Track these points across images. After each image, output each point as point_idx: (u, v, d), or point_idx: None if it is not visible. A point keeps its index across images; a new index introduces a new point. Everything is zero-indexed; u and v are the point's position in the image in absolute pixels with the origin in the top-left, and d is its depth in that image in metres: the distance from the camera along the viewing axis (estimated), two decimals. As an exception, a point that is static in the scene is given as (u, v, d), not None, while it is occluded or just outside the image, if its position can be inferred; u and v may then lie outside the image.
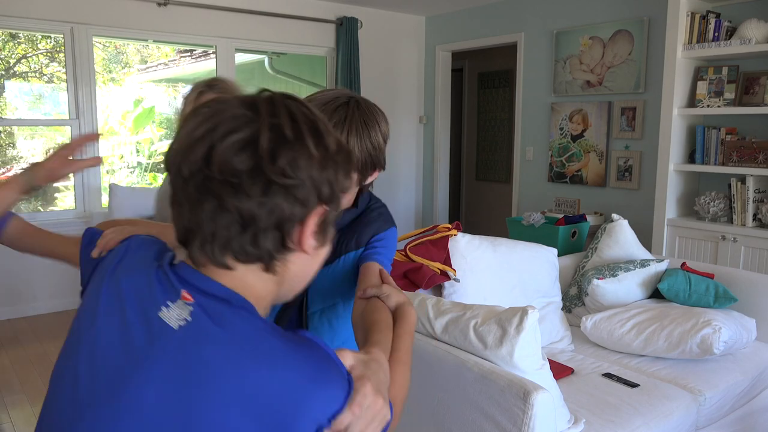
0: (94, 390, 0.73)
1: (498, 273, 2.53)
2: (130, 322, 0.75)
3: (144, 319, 0.74)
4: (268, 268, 0.77)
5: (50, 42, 5.32)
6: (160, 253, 0.84)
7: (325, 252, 0.83)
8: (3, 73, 5.06)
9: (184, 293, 0.75)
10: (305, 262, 0.80)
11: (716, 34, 3.71)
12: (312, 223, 0.75)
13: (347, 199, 1.20)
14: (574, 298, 2.91)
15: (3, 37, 4.91)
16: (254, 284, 0.77)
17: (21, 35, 5.12)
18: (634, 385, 2.19)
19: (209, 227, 0.73)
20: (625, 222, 3.08)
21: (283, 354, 0.71)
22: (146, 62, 6.56)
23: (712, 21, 3.71)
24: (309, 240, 0.76)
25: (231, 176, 0.70)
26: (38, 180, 1.17)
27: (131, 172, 6.37)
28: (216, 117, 0.74)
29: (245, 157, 0.71)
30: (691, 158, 3.96)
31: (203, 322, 0.72)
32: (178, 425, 0.68)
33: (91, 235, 1.02)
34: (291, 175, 0.72)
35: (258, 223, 0.72)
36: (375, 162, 1.17)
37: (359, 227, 1.27)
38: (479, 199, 7.37)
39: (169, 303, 0.74)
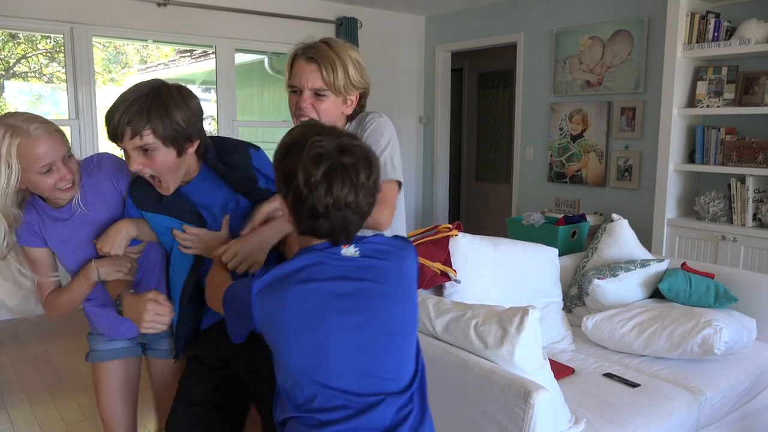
0: None
1: (499, 273, 2.53)
2: None
3: None
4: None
5: (50, 42, 5.32)
6: None
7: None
8: (3, 73, 5.05)
9: None
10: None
11: (716, 34, 3.71)
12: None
13: (182, 171, 1.53)
14: (575, 298, 2.91)
15: (3, 37, 4.91)
16: None
17: (21, 35, 5.12)
18: (634, 385, 2.19)
19: None
20: (625, 222, 3.08)
21: None
22: (146, 62, 6.55)
23: (712, 21, 3.71)
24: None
25: None
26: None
27: (131, 172, 6.34)
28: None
29: None
30: (690, 158, 3.96)
31: None
32: None
33: None
34: None
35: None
36: (186, 135, 1.46)
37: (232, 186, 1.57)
38: (479, 199, 7.37)
39: None
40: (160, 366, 1.81)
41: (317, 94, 1.70)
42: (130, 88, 1.45)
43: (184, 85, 1.51)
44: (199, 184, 1.58)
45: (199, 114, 1.49)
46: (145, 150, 1.43)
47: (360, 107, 1.80)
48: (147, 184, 1.56)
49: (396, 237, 1.32)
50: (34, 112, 1.56)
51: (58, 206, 1.61)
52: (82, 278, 1.62)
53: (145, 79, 1.49)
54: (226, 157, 1.58)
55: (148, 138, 1.41)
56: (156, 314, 1.49)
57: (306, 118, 1.70)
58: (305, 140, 1.17)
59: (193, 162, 1.55)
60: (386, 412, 1.18)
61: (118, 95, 1.46)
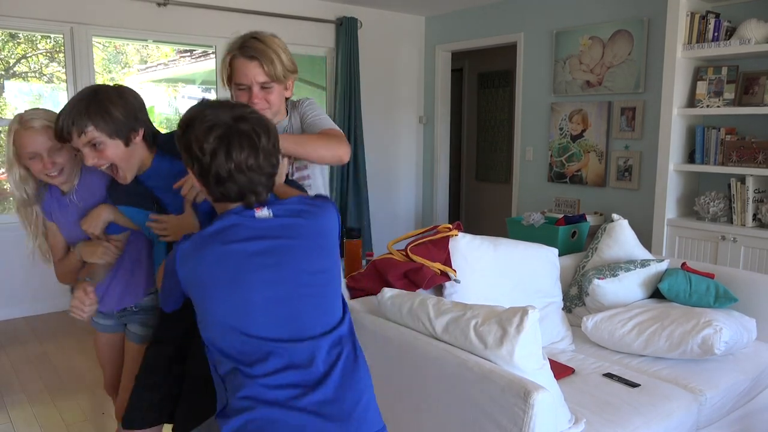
0: None
1: (498, 273, 2.53)
2: None
3: None
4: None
5: (50, 42, 5.32)
6: None
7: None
8: (3, 73, 5.05)
9: None
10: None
11: (716, 34, 3.71)
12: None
13: (135, 160, 1.71)
14: (575, 298, 2.91)
15: (3, 37, 4.91)
16: None
17: (21, 35, 5.12)
18: (634, 385, 2.19)
19: None
20: (625, 222, 3.07)
21: None
22: (146, 62, 6.55)
23: (712, 21, 3.71)
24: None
25: None
26: None
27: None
28: None
29: None
30: (690, 158, 3.96)
31: None
32: None
33: None
34: None
35: None
36: (129, 127, 1.64)
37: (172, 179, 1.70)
38: (479, 199, 7.37)
39: None
40: (130, 348, 1.97)
41: (264, 87, 1.89)
42: (73, 96, 1.65)
43: (123, 84, 1.72)
44: (157, 169, 1.76)
45: (138, 107, 1.68)
46: (93, 145, 1.62)
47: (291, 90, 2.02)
48: (116, 181, 1.76)
49: (316, 196, 1.43)
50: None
51: (63, 193, 1.83)
52: (72, 253, 1.88)
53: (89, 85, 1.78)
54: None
55: (93, 133, 1.60)
56: (79, 301, 1.72)
57: (259, 109, 1.84)
58: (199, 115, 1.30)
59: (144, 151, 1.74)
60: (317, 353, 1.28)
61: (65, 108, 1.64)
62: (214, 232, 1.28)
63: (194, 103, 1.41)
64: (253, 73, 1.86)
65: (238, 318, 1.25)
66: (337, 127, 1.97)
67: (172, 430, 1.78)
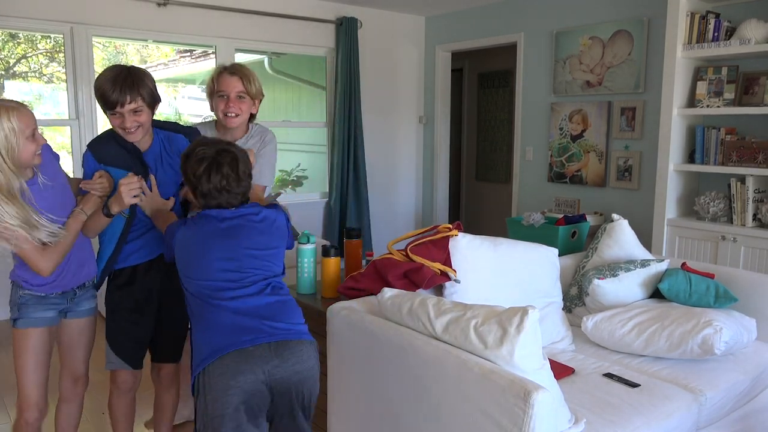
0: None
1: (498, 273, 2.53)
2: None
3: None
4: None
5: (50, 42, 5.32)
6: None
7: None
8: (3, 73, 5.05)
9: None
10: None
11: (716, 34, 3.71)
12: None
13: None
14: (575, 298, 2.91)
15: (3, 37, 4.91)
16: None
17: (21, 35, 5.12)
18: (634, 385, 2.19)
19: None
20: (625, 222, 3.07)
21: None
22: (146, 62, 6.55)
23: (712, 21, 3.71)
24: None
25: None
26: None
27: (131, 172, 6.34)
28: None
29: None
30: (690, 158, 3.96)
31: None
32: None
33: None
34: None
35: None
36: (156, 100, 2.13)
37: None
38: (479, 199, 7.37)
39: None
40: (77, 325, 2.20)
41: (239, 97, 2.45)
42: (109, 71, 2.04)
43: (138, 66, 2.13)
44: (157, 145, 2.23)
45: (156, 86, 2.14)
46: (135, 111, 2.05)
47: (258, 109, 2.61)
48: (107, 144, 2.16)
49: (269, 205, 2.00)
50: (34, 112, 1.95)
51: (27, 177, 1.98)
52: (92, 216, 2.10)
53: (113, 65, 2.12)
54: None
55: (140, 102, 2.05)
56: (128, 189, 2.03)
57: (232, 114, 2.46)
58: (194, 150, 1.88)
59: (149, 131, 2.20)
60: (260, 290, 1.85)
61: (100, 77, 2.04)
62: (202, 216, 1.88)
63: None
64: (234, 85, 2.43)
65: (202, 267, 1.83)
66: (268, 183, 2.60)
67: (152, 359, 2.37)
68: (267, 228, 1.92)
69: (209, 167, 1.83)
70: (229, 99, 2.43)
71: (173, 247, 1.88)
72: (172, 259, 1.92)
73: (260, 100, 2.56)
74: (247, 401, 1.72)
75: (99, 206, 2.08)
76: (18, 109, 1.85)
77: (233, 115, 2.45)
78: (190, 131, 2.34)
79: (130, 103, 2.02)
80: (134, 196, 2.05)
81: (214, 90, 2.48)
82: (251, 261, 1.86)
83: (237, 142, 2.42)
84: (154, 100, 2.12)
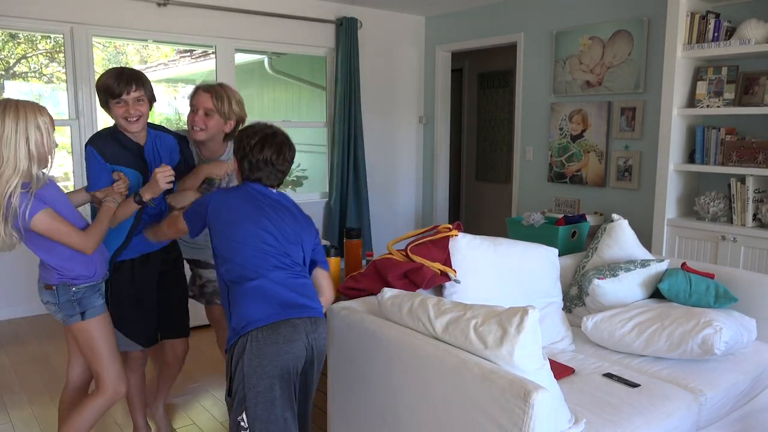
0: None
1: (499, 273, 2.53)
2: None
3: None
4: None
5: (50, 42, 5.32)
6: None
7: None
8: (3, 73, 5.05)
9: None
10: None
11: (716, 34, 3.71)
12: None
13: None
14: (575, 298, 2.91)
15: (3, 37, 4.91)
16: None
17: (21, 35, 5.12)
18: (634, 385, 2.19)
19: None
20: (625, 222, 3.07)
21: None
22: (146, 62, 6.55)
23: (712, 21, 3.71)
24: None
25: None
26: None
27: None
28: None
29: None
30: (690, 158, 3.96)
31: None
32: None
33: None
34: None
35: None
36: (153, 97, 2.36)
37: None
38: (479, 199, 7.37)
39: None
40: (99, 321, 2.24)
41: (206, 114, 2.55)
42: (111, 70, 2.26)
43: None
44: (152, 142, 2.43)
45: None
46: (138, 100, 2.26)
47: (236, 129, 2.64)
48: (110, 144, 2.30)
49: None
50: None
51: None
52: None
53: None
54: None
55: (142, 91, 2.27)
56: (164, 176, 2.24)
57: (197, 128, 2.56)
58: (250, 125, 2.07)
59: (146, 126, 2.40)
60: (298, 270, 2.00)
61: (103, 75, 2.25)
62: (246, 186, 2.03)
63: None
64: (204, 100, 2.55)
65: (251, 234, 1.94)
66: None
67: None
68: (303, 218, 2.07)
69: (264, 140, 2.00)
70: (196, 113, 2.57)
71: (206, 213, 1.98)
72: (201, 229, 2.06)
73: (236, 122, 2.63)
74: (288, 371, 1.87)
75: (121, 200, 2.25)
76: (44, 108, 2.07)
77: (198, 129, 2.57)
78: (180, 136, 2.57)
79: (135, 91, 2.23)
80: (168, 182, 2.25)
81: (189, 104, 2.65)
82: (290, 242, 1.99)
83: (220, 158, 2.67)
84: (152, 97, 2.34)
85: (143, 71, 2.33)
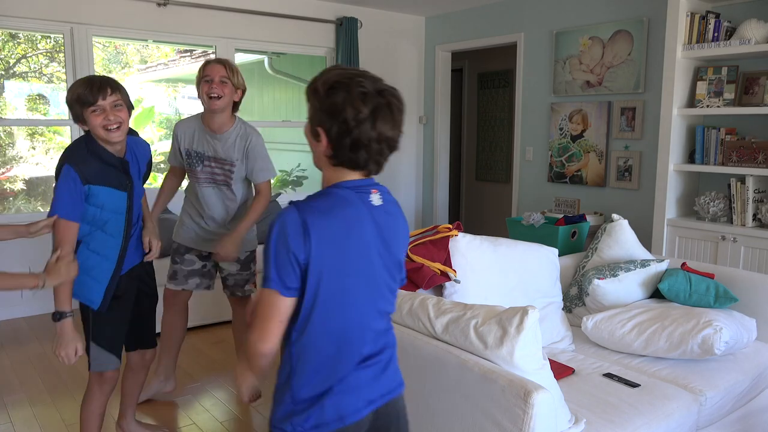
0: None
1: (499, 273, 2.53)
2: None
3: None
4: None
5: (50, 42, 5.32)
6: None
7: None
8: (3, 73, 5.05)
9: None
10: None
11: (716, 35, 3.71)
12: None
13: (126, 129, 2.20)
14: (575, 298, 2.91)
15: (3, 37, 4.91)
16: None
17: (21, 35, 5.12)
18: (634, 385, 2.19)
19: None
20: (625, 222, 3.08)
21: None
22: (146, 62, 6.55)
23: (712, 21, 3.71)
24: None
25: None
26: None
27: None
28: None
29: None
30: (690, 158, 3.96)
31: None
32: None
33: None
34: None
35: None
36: (130, 105, 2.19)
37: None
38: (479, 199, 7.37)
39: None
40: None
41: (222, 81, 2.70)
42: (80, 79, 2.09)
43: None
44: (128, 157, 2.25)
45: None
46: (115, 105, 2.07)
47: (240, 101, 2.85)
48: (90, 161, 2.07)
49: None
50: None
51: None
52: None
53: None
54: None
55: (119, 95, 2.09)
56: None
57: (215, 95, 2.67)
58: (348, 80, 1.28)
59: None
60: (388, 325, 1.41)
61: (74, 84, 2.07)
62: (336, 204, 1.28)
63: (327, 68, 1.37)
64: (218, 69, 2.71)
65: (364, 274, 1.31)
66: (271, 174, 2.87)
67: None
68: (406, 233, 1.44)
69: (379, 109, 1.28)
70: (212, 81, 2.68)
71: (308, 244, 1.24)
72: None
73: (243, 92, 2.82)
74: None
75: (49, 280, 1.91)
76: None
77: (216, 96, 2.68)
78: (138, 136, 2.46)
79: (111, 95, 2.05)
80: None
81: (201, 77, 2.74)
82: (391, 279, 1.39)
83: (224, 133, 2.79)
84: (130, 104, 2.17)
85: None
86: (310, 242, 1.22)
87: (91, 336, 2.25)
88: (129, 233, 2.24)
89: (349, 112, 1.25)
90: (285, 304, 1.25)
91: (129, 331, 2.43)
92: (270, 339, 1.24)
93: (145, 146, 2.39)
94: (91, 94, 2.01)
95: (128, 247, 2.26)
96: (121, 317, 2.33)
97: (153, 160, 2.47)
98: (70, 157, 2.05)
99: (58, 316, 2.04)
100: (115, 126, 2.06)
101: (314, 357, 1.28)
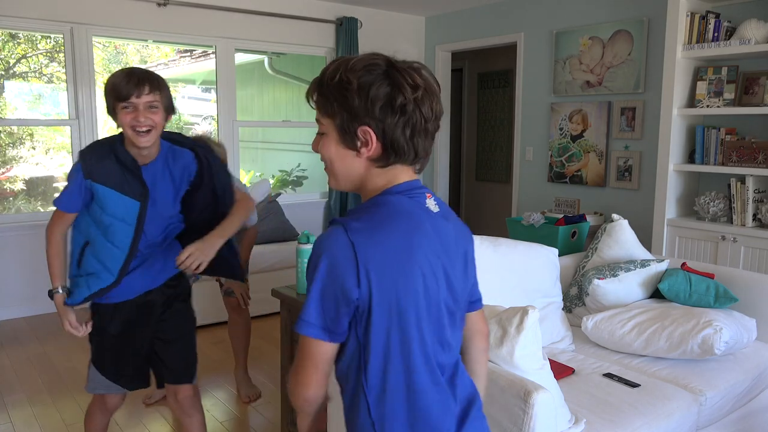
0: None
1: (498, 273, 2.53)
2: None
3: None
4: None
5: (50, 42, 5.32)
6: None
7: None
8: (3, 73, 5.06)
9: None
10: None
11: (716, 35, 3.71)
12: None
13: (158, 135, 1.93)
14: (575, 298, 2.91)
15: (3, 37, 4.91)
16: None
17: (21, 35, 5.12)
18: (634, 385, 2.19)
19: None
20: (625, 222, 3.07)
21: None
22: (146, 62, 6.55)
23: (712, 21, 3.71)
24: None
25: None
26: None
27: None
28: None
29: None
30: (690, 158, 3.96)
31: None
32: None
33: None
34: None
35: None
36: (171, 107, 1.91)
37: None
38: (479, 199, 7.37)
39: None
40: None
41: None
42: (123, 68, 1.85)
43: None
44: (159, 163, 1.95)
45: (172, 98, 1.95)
46: (150, 106, 1.82)
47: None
48: (103, 156, 1.88)
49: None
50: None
51: None
52: None
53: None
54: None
55: (157, 96, 1.83)
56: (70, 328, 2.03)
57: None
58: (371, 64, 1.13)
59: (158, 140, 1.93)
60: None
61: (116, 72, 1.83)
62: (393, 214, 1.05)
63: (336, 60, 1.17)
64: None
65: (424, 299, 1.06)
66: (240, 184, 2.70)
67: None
68: (470, 244, 1.24)
69: (426, 93, 1.13)
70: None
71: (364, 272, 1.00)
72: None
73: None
74: None
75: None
76: None
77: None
78: (203, 147, 2.05)
79: (147, 93, 1.80)
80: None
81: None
82: (458, 298, 1.15)
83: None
84: (170, 106, 1.89)
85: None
86: (368, 275, 0.99)
87: (90, 356, 2.11)
88: (136, 248, 1.92)
89: (406, 94, 1.07)
90: (327, 351, 1.04)
91: (145, 364, 2.13)
92: (310, 387, 1.06)
93: (187, 159, 2.00)
94: (127, 87, 1.77)
95: (137, 266, 1.98)
96: (121, 347, 2.06)
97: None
98: (86, 148, 1.91)
99: (50, 293, 2.02)
100: (144, 129, 1.81)
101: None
